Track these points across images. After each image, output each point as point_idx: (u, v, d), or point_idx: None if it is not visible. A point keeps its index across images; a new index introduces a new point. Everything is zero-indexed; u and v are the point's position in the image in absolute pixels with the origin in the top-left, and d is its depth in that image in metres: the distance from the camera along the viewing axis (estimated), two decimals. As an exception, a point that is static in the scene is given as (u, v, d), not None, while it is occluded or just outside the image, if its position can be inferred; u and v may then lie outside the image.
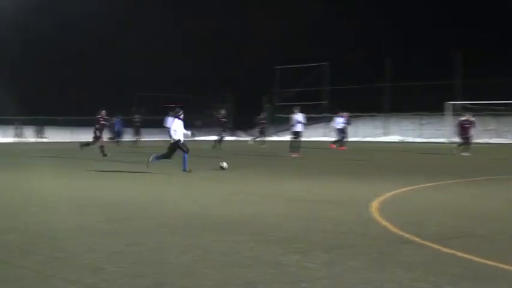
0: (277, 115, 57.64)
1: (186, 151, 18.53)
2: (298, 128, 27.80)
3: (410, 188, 14.63)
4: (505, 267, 6.84)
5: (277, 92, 59.60)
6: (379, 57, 54.13)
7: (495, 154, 29.00)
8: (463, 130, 28.14)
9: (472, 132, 28.56)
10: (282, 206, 11.92)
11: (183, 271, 6.75)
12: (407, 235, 8.68)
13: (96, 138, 26.47)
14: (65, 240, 8.35)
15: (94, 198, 12.79)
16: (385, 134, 51.28)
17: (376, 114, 52.93)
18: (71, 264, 7.02)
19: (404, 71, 53.35)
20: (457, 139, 29.38)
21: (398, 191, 13.97)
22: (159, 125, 35.49)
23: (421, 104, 47.69)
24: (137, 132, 40.74)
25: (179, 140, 18.55)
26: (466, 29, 54.90)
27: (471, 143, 27.99)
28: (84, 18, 56.87)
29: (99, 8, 56.13)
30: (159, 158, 18.80)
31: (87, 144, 26.23)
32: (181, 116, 18.89)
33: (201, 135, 42.84)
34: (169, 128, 19.81)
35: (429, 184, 15.47)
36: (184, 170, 18.31)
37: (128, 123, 42.78)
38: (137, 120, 41.24)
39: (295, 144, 27.49)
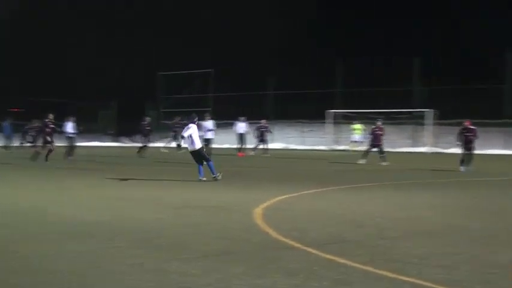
0: (162, 121, 57.18)
1: (208, 159, 18.31)
2: (209, 135, 27.87)
3: (293, 194, 14.87)
4: (380, 272, 7.08)
5: (162, 98, 59.11)
6: (263, 66, 54.84)
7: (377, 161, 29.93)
8: (376, 138, 27.49)
9: (383, 139, 27.88)
10: (165, 212, 11.84)
11: (66, 279, 6.58)
12: (289, 241, 8.83)
13: (47, 142, 26.05)
14: None
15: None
16: (270, 141, 51.92)
17: (260, 122, 53.51)
18: None
19: (288, 79, 54.38)
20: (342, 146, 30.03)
21: (281, 197, 14.17)
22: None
23: (303, 112, 48.70)
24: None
25: (202, 147, 18.48)
26: (348, 39, 56.74)
27: (384, 151, 27.43)
28: None
29: None
30: (211, 168, 18.24)
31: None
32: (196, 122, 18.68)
33: (83, 141, 41.86)
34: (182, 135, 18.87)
35: (311, 191, 15.78)
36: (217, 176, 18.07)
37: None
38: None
39: (207, 151, 27.36)
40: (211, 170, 18.20)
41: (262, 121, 36.37)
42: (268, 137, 36.41)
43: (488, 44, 53.87)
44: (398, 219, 11.03)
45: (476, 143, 23.45)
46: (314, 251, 8.16)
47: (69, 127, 29.12)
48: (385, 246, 8.61)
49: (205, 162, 18.30)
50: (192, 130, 18.28)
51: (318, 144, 45.63)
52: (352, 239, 9.17)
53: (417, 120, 45.94)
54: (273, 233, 9.48)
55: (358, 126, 42.71)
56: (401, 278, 6.82)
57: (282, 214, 11.65)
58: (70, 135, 28.64)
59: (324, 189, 16.38)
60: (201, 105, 56.00)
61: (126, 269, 7.13)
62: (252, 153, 34.08)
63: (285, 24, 59.25)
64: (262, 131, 35.42)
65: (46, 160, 25.21)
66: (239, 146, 35.00)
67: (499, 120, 44.49)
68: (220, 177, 18.08)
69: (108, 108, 59.63)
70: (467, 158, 23.29)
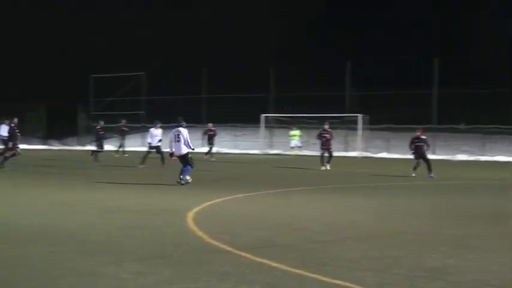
0: (94, 124, 56.30)
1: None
2: (157, 142, 27.69)
3: (226, 198, 14.87)
4: (311, 275, 7.14)
5: (93, 101, 58.12)
6: (197, 69, 54.67)
7: (315, 165, 30.16)
8: (324, 142, 27.04)
9: (332, 143, 27.56)
10: (99, 215, 11.71)
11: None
12: (222, 245, 8.82)
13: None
14: None
15: None
16: (203, 145, 51.83)
17: (194, 125, 53.29)
18: None
19: (221, 82, 54.39)
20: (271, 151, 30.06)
21: (215, 201, 14.14)
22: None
23: (237, 115, 48.75)
24: None
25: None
26: (282, 44, 57.31)
27: (332, 155, 27.18)
28: None
29: None
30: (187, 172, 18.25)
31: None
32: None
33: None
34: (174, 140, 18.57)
35: (245, 195, 15.81)
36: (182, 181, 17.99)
37: None
38: None
39: (147, 156, 27.16)
40: (182, 173, 18.16)
41: (209, 125, 36.14)
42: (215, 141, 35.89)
43: (416, 50, 55.21)
44: (330, 223, 11.14)
45: (402, 148, 24.34)
46: (246, 255, 8.18)
47: (3, 130, 28.50)
48: (317, 249, 8.68)
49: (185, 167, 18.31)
50: (185, 134, 18.42)
51: (252, 148, 45.73)
52: (284, 242, 9.22)
53: (348, 125, 46.64)
54: (206, 237, 9.45)
55: (296, 132, 43.02)
56: (332, 281, 6.90)
57: (215, 218, 11.63)
58: (4, 138, 27.89)
59: (257, 193, 16.43)
60: (134, 108, 55.48)
61: (59, 273, 7.03)
62: (205, 157, 33.86)
63: (219, 27, 59.40)
64: (210, 134, 35.08)
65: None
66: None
67: (427, 125, 45.60)
68: (184, 183, 18.00)
69: (36, 111, 58.24)
70: (419, 165, 23.65)
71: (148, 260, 7.86)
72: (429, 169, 23.03)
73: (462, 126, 46.20)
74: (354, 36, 60.51)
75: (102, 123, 34.41)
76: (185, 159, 18.30)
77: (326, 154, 27.00)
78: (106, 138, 34.31)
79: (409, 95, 48.40)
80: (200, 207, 13.01)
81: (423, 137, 24.06)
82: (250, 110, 46.89)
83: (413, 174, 23.05)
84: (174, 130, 18.59)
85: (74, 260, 7.72)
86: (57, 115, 55.32)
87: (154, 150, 27.45)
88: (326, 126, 27.70)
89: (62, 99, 55.53)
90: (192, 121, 40.11)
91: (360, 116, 42.80)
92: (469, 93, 44.92)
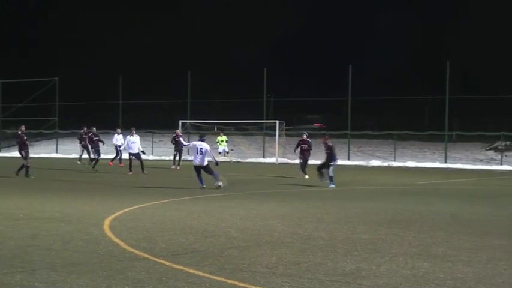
0: (2, 130, 54.63)
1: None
2: (135, 149, 27.62)
3: (142, 205, 14.75)
4: (228, 281, 7.18)
5: (2, 106, 56.16)
6: (112, 75, 53.88)
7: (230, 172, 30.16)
8: (302, 152, 26.82)
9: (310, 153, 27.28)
10: (2, 223, 11.42)
11: None
12: (139, 252, 8.75)
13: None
14: None
15: None
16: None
17: (111, 131, 52.51)
18: None
19: (139, 88, 53.97)
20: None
21: (131, 208, 14.00)
22: None
23: (155, 121, 48.42)
24: None
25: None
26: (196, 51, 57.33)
27: (306, 166, 26.55)
28: None
29: None
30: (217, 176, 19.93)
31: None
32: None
33: None
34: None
35: (162, 201, 15.71)
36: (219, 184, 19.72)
37: None
38: None
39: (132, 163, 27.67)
40: (215, 179, 19.88)
41: (177, 130, 35.60)
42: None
43: (332, 56, 56.31)
44: (246, 229, 11.20)
45: (314, 154, 24.98)
46: (163, 262, 8.14)
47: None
48: (234, 255, 8.71)
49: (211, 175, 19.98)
50: (207, 147, 20.14)
51: (168, 154, 45.44)
52: (201, 249, 9.21)
53: (266, 131, 47.02)
54: (122, 244, 9.34)
55: (223, 137, 43.02)
56: (250, 287, 6.94)
57: (131, 225, 11.49)
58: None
59: (175, 199, 16.35)
60: (45, 114, 54.13)
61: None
62: (173, 166, 33.20)
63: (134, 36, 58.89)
64: (177, 140, 34.07)
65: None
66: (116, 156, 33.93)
67: (341, 132, 46.53)
68: (221, 185, 19.74)
69: None
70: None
71: (61, 268, 7.71)
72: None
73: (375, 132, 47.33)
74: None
75: (94, 129, 33.82)
76: (206, 169, 20.07)
77: (300, 161, 27.04)
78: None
79: (324, 102, 49.36)
80: (116, 214, 12.85)
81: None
82: (167, 116, 46.71)
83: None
84: (196, 143, 20.30)
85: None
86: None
87: (133, 157, 27.64)
88: (304, 136, 27.57)
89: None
90: (111, 127, 39.61)
91: (277, 122, 43.18)
92: (382, 100, 46.19)
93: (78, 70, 60.50)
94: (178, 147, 33.46)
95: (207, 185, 19.76)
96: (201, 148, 20.04)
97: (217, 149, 42.93)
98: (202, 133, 21.13)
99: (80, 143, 36.30)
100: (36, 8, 71.94)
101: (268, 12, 67.22)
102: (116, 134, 35.00)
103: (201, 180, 20.00)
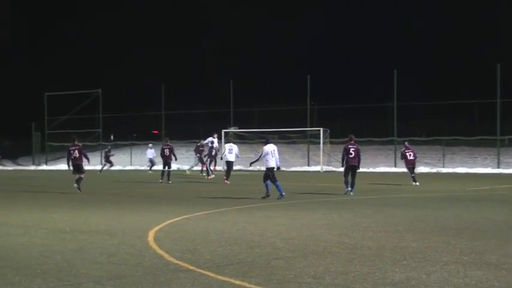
0: (49, 143, 55.48)
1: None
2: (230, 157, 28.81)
3: (186, 216, 14.69)
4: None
5: (48, 119, 57.05)
6: (156, 85, 54.34)
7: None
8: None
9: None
10: (49, 237, 11.46)
11: None
12: (183, 264, 8.66)
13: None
14: None
15: None
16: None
17: (152, 142, 53.15)
18: None
19: (181, 98, 54.36)
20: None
21: (174, 220, 13.95)
22: None
23: (196, 131, 48.54)
24: None
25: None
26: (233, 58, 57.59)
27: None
28: None
29: None
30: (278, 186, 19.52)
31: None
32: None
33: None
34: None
35: (205, 212, 15.65)
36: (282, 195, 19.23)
37: None
38: None
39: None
40: (278, 189, 19.42)
41: (210, 138, 35.17)
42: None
43: (377, 64, 55.81)
44: (292, 239, 11.03)
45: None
46: (208, 273, 8.03)
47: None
48: (280, 266, 8.56)
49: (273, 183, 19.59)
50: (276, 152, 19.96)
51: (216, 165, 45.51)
52: (247, 259, 9.07)
53: (311, 139, 46.75)
54: (166, 256, 9.27)
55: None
56: (296, 298, 6.78)
57: (175, 236, 11.42)
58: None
59: (218, 210, 16.27)
60: (90, 126, 54.83)
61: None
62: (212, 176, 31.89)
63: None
64: (212, 147, 33.65)
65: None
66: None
67: (386, 138, 46.00)
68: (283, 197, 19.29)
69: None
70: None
71: (107, 281, 7.66)
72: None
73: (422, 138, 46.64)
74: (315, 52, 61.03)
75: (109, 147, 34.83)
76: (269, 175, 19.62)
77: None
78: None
79: (369, 109, 48.91)
80: (160, 226, 12.80)
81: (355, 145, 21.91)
82: (210, 125, 46.79)
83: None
84: (271, 148, 19.85)
85: (22, 283, 7.49)
86: (9, 134, 54.45)
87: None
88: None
89: (15, 118, 54.76)
90: (152, 138, 40.05)
91: (321, 130, 42.92)
92: (428, 105, 45.55)
93: (121, 81, 61.26)
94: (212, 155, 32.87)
95: (245, 194, 19.54)
96: (273, 151, 19.77)
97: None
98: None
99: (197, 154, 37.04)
100: (79, 22, 73.18)
101: (309, 19, 67.20)
102: (149, 149, 35.94)
103: (277, 187, 19.46)
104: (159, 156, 30.49)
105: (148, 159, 41.20)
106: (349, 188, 21.26)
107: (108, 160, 41.72)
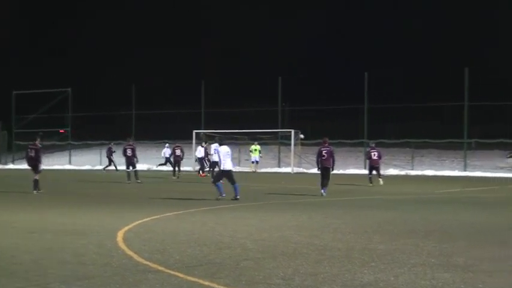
0: (16, 142, 54.75)
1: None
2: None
3: (155, 217, 14.62)
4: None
5: (15, 117, 56.29)
6: (127, 85, 53.95)
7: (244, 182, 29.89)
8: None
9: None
10: (16, 237, 11.34)
11: None
12: (152, 264, 8.62)
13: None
14: None
15: None
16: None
17: (122, 142, 52.73)
18: None
19: (152, 98, 54.01)
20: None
21: (143, 220, 13.88)
22: None
23: (168, 131, 48.28)
24: None
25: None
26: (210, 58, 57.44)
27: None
28: None
29: None
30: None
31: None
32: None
33: None
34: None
35: (176, 213, 15.58)
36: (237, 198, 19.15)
37: None
38: None
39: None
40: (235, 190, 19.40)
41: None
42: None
43: (348, 65, 56.02)
44: (262, 240, 11.04)
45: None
46: (177, 274, 8.01)
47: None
48: (249, 267, 8.56)
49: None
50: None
51: (184, 165, 45.36)
52: (216, 260, 9.06)
53: (282, 140, 46.82)
54: (135, 256, 9.22)
55: (257, 147, 42.92)
56: (265, 299, 6.79)
57: (144, 237, 11.36)
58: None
59: (188, 210, 16.22)
60: (58, 125, 54.20)
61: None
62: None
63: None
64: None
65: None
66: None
67: (357, 140, 46.24)
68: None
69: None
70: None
71: (75, 281, 7.60)
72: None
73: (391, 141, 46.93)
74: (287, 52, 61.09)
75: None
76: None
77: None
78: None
79: (340, 110, 49.07)
80: (130, 226, 12.74)
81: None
82: (181, 126, 46.66)
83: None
84: (226, 150, 19.77)
85: (-5, 283, 7.40)
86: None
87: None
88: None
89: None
90: (121, 138, 39.74)
91: (292, 132, 43.00)
92: (398, 108, 45.85)
93: (91, 81, 60.76)
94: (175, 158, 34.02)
95: (216, 195, 19.53)
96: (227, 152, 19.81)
97: (249, 159, 43.12)
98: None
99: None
100: (48, 19, 72.46)
101: (281, 20, 67.29)
102: (166, 148, 36.27)
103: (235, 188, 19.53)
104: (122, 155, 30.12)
105: (164, 159, 40.77)
106: (322, 190, 21.42)
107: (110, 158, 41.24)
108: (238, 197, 19.27)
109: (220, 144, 20.44)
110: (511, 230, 12.83)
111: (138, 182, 27.64)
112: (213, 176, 27.51)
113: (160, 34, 67.59)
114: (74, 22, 71.40)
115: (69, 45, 69.53)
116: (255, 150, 42.87)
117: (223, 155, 19.71)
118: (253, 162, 42.96)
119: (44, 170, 23.18)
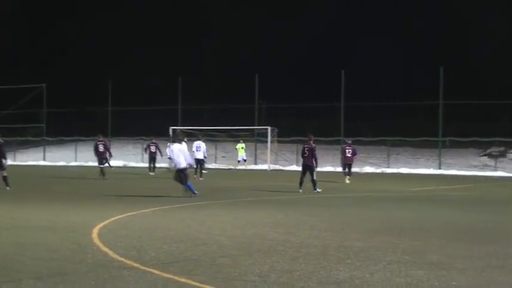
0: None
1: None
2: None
3: (132, 213, 14.56)
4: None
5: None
6: (103, 81, 53.58)
7: (220, 180, 29.98)
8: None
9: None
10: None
11: None
12: (128, 261, 8.58)
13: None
14: None
15: None
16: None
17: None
18: None
19: (129, 94, 53.71)
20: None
21: (120, 216, 13.82)
22: None
23: (145, 128, 48.05)
24: None
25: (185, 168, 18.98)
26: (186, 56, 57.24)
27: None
28: None
29: None
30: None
31: None
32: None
33: None
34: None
35: (151, 209, 15.52)
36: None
37: None
38: None
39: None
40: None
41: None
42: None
43: (324, 62, 56.10)
44: (238, 237, 11.03)
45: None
46: (153, 271, 7.98)
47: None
48: (225, 264, 8.56)
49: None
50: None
51: (160, 162, 45.22)
52: (192, 257, 9.04)
53: (258, 138, 46.85)
54: (110, 253, 9.17)
55: (242, 145, 42.84)
56: (241, 296, 6.79)
57: (120, 233, 11.30)
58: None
59: (163, 207, 16.17)
60: (32, 121, 53.65)
61: None
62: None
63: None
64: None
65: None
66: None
67: (333, 138, 46.38)
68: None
69: None
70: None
71: (49, 277, 7.55)
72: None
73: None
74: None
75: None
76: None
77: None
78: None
79: (317, 108, 49.19)
80: (105, 222, 12.66)
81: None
82: (157, 122, 46.44)
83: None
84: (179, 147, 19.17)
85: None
86: None
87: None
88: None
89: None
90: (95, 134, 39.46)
91: (269, 129, 43.03)
92: (374, 106, 46.08)
93: (67, 76, 60.22)
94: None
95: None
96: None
97: (237, 157, 42.99)
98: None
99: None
100: (24, 14, 71.87)
101: (260, 16, 67.27)
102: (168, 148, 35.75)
103: (189, 187, 18.98)
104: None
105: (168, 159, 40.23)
106: (301, 190, 21.43)
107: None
108: (196, 192, 18.81)
109: (174, 142, 19.74)
110: (485, 228, 12.95)
111: (105, 179, 27.22)
112: (196, 174, 27.49)
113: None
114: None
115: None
116: (242, 148, 42.87)
117: (176, 153, 19.00)
118: (239, 161, 42.94)
119: (8, 165, 22.72)
